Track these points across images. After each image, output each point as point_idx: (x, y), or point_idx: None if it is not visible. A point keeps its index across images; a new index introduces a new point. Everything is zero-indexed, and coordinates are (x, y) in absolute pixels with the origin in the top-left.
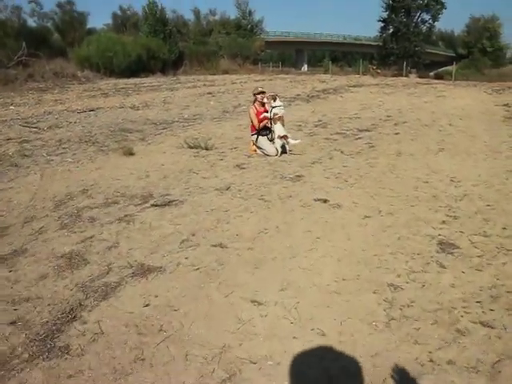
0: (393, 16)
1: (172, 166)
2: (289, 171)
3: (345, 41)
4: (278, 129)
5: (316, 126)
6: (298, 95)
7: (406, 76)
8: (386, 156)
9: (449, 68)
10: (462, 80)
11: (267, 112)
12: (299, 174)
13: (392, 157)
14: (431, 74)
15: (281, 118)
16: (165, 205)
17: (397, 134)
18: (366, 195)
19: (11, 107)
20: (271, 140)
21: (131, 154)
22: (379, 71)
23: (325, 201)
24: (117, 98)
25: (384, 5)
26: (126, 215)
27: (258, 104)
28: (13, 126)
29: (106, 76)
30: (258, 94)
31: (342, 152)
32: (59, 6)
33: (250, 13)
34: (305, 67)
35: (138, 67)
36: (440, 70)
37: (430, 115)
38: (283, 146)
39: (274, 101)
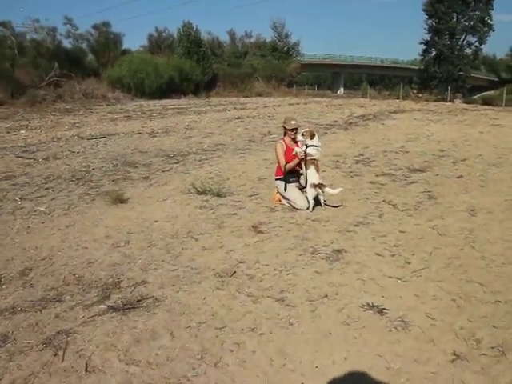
0: (436, 38)
1: (167, 223)
2: (324, 240)
3: (382, 64)
4: (312, 174)
5: (357, 161)
6: (335, 122)
7: (451, 101)
8: (455, 214)
9: (490, 93)
10: (509, 105)
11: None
12: (339, 246)
13: (464, 216)
14: (475, 97)
15: (315, 162)
16: (130, 307)
17: (460, 177)
18: (447, 298)
19: (21, 131)
20: (302, 188)
21: (122, 201)
22: (420, 95)
23: (381, 310)
24: (139, 121)
25: (427, 27)
26: (58, 332)
27: (288, 139)
28: (7, 155)
29: (137, 97)
30: (291, 130)
31: (394, 206)
32: (95, 27)
33: (287, 35)
34: (341, 90)
35: (170, 88)
36: (483, 94)
37: (493, 150)
38: (316, 198)
39: (311, 138)
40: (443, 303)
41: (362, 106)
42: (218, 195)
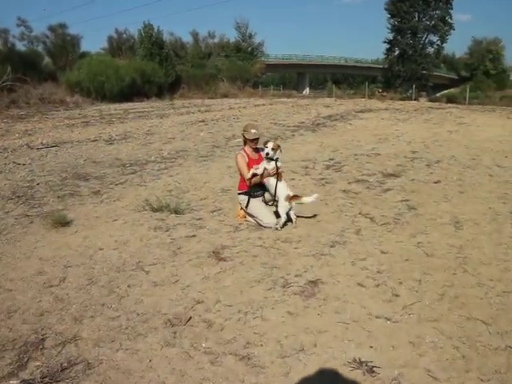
0: (399, 37)
1: (114, 252)
2: (296, 267)
3: (346, 63)
4: (284, 186)
5: (327, 167)
6: (302, 123)
7: (416, 100)
8: (439, 228)
9: (452, 90)
10: (471, 104)
11: (265, 162)
12: (314, 275)
13: (450, 230)
14: (438, 95)
15: (281, 173)
16: (50, 381)
17: (437, 182)
18: (448, 346)
19: None
20: (267, 203)
21: (64, 224)
22: (385, 94)
23: (371, 369)
24: (96, 127)
25: (390, 26)
26: None
27: (249, 149)
28: None
29: (98, 101)
30: (251, 140)
31: (371, 219)
32: (50, 29)
33: (251, 36)
34: (306, 90)
35: (132, 91)
36: (444, 92)
37: (465, 151)
38: (288, 213)
39: (279, 151)
40: (445, 353)
41: (328, 106)
42: (176, 212)
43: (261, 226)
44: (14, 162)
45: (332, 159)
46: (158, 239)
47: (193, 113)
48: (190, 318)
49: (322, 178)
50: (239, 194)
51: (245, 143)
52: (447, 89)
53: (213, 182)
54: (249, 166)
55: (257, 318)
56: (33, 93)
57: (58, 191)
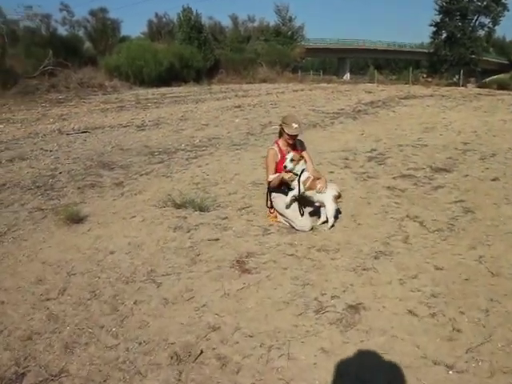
0: (446, 20)
1: (126, 256)
2: (333, 285)
3: (389, 48)
4: (329, 187)
5: (370, 158)
6: (342, 109)
7: (463, 86)
8: (503, 238)
9: (501, 76)
10: None
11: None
12: (354, 297)
13: None
14: (486, 81)
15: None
16: None
17: (495, 179)
18: None
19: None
20: (301, 201)
21: (77, 220)
22: (430, 80)
23: None
24: (131, 112)
25: (437, 7)
26: None
27: (283, 143)
28: None
29: (136, 85)
30: (290, 136)
31: (421, 224)
32: (92, 13)
33: (291, 19)
34: (347, 75)
35: (170, 76)
36: (493, 78)
37: None
38: (318, 211)
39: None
40: None
41: (369, 92)
42: (200, 209)
43: (293, 228)
44: (42, 149)
45: (374, 150)
46: (177, 242)
47: (229, 98)
48: (202, 352)
49: (364, 172)
50: (269, 191)
51: (280, 135)
52: (496, 74)
53: (244, 174)
54: (279, 164)
55: (282, 357)
56: (73, 77)
57: (79, 181)
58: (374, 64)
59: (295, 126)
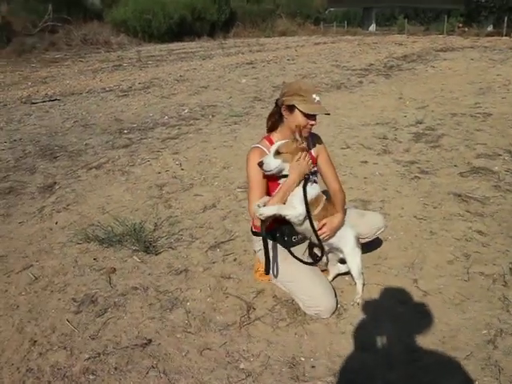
0: None
1: None
2: None
3: None
4: (350, 222)
5: (417, 136)
6: (372, 65)
7: (508, 36)
8: None
9: None
10: None
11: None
12: None
13: None
14: None
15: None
16: None
17: None
18: None
19: None
20: (314, 254)
21: None
22: (467, 29)
23: None
24: (123, 72)
25: None
26: None
27: (283, 138)
28: None
29: (145, 41)
30: (310, 116)
31: None
32: None
33: None
34: (373, 27)
35: (182, 30)
36: None
37: None
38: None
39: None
40: None
41: (401, 44)
42: (146, 248)
43: (304, 310)
44: None
45: (420, 122)
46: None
47: (242, 53)
48: None
49: (412, 162)
50: (254, 234)
51: (276, 123)
52: None
53: (234, 168)
54: (274, 182)
55: None
56: (74, 33)
57: None
58: (401, 14)
59: (317, 98)
